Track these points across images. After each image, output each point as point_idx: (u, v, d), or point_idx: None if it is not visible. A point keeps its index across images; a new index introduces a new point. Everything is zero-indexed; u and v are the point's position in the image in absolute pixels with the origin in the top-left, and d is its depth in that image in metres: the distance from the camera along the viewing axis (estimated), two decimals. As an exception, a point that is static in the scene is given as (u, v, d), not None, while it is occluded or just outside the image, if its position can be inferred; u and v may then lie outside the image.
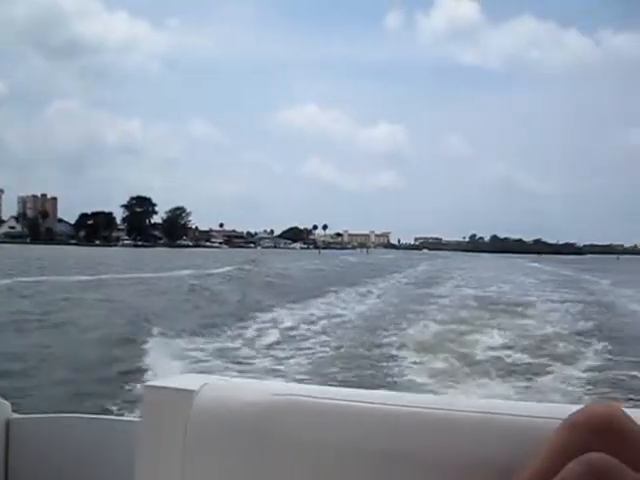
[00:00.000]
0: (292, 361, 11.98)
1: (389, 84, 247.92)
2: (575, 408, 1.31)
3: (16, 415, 2.29)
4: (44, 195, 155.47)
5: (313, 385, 1.81)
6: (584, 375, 10.80)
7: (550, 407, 1.57)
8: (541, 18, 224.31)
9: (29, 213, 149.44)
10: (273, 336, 14.71)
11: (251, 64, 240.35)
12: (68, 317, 17.51)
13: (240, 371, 10.78)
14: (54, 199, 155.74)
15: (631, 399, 9.04)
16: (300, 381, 10.16)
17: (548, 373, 11.10)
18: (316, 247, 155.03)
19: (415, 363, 11.91)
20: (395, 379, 10.68)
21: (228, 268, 41.39)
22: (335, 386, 1.75)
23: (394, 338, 14.62)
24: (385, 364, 11.76)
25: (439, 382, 10.36)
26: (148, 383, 1.84)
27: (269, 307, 19.92)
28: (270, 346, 13.52)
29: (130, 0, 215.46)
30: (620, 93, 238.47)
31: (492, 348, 13.28)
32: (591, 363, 11.92)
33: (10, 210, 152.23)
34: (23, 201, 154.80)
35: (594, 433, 1.24)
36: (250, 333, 15.10)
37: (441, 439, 1.49)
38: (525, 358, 12.33)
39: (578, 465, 1.19)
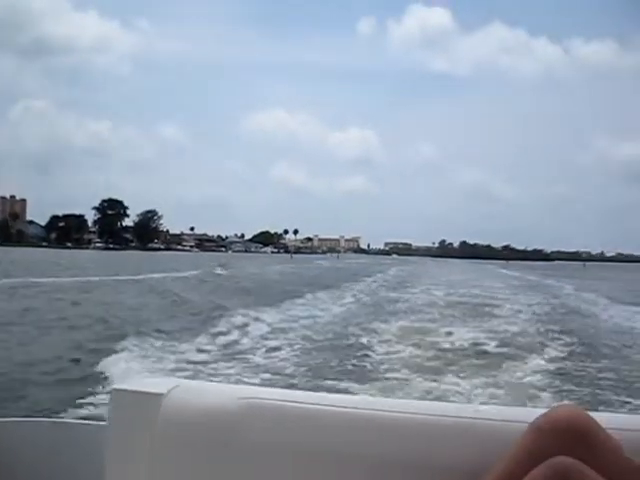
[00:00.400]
0: (282, 352, 13.19)
1: (360, 89, 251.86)
2: (541, 412, 1.33)
3: None
4: (13, 197, 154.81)
5: (281, 389, 1.81)
6: (542, 363, 12.15)
7: (516, 411, 1.61)
8: (511, 26, 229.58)
9: None
10: (261, 330, 15.91)
11: (221, 67, 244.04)
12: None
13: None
14: (23, 201, 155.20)
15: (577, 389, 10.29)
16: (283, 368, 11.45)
17: (511, 359, 12.52)
18: (287, 251, 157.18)
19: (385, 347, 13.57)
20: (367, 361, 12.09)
21: (195, 272, 41.84)
22: (304, 389, 1.85)
23: (368, 330, 15.89)
24: (359, 353, 12.94)
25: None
26: (115, 386, 1.84)
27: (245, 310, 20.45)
28: (263, 337, 14.90)
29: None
30: (588, 101, 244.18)
31: (459, 339, 14.63)
32: (554, 354, 13.27)
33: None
34: None
35: (559, 437, 1.26)
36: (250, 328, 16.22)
37: (408, 442, 1.51)
38: (491, 349, 13.71)
39: (544, 469, 1.22)
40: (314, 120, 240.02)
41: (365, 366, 11.82)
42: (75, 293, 25.02)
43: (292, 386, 9.81)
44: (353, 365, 11.87)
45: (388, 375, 11.04)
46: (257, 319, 17.91)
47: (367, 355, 12.79)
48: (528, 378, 10.93)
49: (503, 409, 1.65)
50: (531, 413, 1.38)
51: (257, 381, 10.22)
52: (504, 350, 13.48)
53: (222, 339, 14.44)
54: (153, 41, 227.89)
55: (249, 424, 1.59)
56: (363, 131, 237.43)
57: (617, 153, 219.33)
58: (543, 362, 12.35)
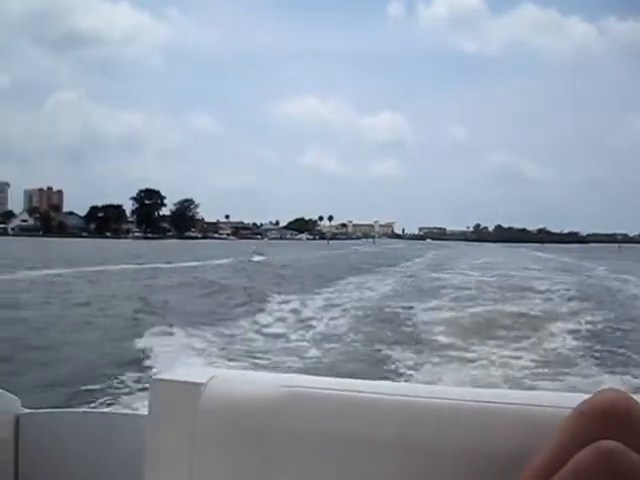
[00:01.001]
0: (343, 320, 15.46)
1: (390, 73, 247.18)
2: (584, 397, 1.31)
3: (26, 410, 2.32)
4: (50, 188, 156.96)
5: (322, 377, 1.80)
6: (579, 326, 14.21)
7: (559, 396, 1.59)
8: (543, 5, 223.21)
9: (37, 206, 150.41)
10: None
11: (251, 54, 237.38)
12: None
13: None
14: (60, 192, 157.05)
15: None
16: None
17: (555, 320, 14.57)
18: (322, 238, 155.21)
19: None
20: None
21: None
22: (346, 377, 1.79)
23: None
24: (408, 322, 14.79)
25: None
26: (155, 376, 1.85)
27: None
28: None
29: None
30: (623, 80, 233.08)
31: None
32: (589, 318, 15.34)
33: (16, 204, 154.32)
34: (29, 195, 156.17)
35: (603, 421, 1.25)
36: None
37: (451, 430, 1.50)
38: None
39: (588, 453, 1.20)
40: (344, 106, 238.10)
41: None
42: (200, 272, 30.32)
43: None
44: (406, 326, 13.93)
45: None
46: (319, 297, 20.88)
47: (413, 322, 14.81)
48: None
49: (545, 394, 1.64)
50: (574, 398, 1.36)
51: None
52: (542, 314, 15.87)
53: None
54: (183, 31, 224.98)
55: (290, 412, 1.60)
56: (394, 115, 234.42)
57: None
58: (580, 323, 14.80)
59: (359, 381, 1.70)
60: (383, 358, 11.03)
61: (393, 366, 10.29)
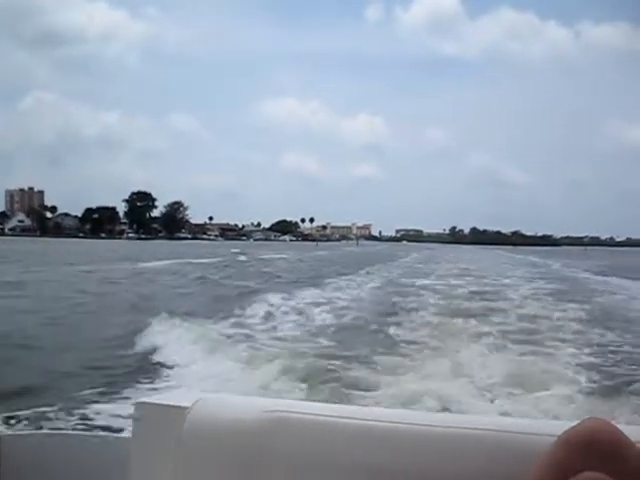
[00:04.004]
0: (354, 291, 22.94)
1: (369, 76, 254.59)
2: (569, 425, 1.31)
3: (7, 432, 2.44)
4: (31, 188, 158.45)
5: (307, 402, 1.78)
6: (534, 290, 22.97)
7: (544, 423, 1.63)
8: (520, 9, 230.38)
9: (16, 207, 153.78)
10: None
11: (230, 56, 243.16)
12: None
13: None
14: (41, 192, 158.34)
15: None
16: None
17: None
18: (304, 239, 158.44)
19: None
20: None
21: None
22: (331, 402, 1.83)
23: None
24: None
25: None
26: (140, 400, 1.85)
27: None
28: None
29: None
30: (599, 85, 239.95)
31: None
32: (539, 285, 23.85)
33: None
34: (10, 194, 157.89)
35: (588, 451, 1.24)
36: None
37: (436, 457, 1.50)
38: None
39: None
40: (324, 108, 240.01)
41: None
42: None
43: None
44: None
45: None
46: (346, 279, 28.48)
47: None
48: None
49: (529, 422, 1.64)
50: (557, 426, 1.35)
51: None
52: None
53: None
54: (162, 30, 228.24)
55: (274, 437, 1.59)
56: (373, 118, 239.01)
57: (629, 138, 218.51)
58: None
59: (344, 407, 1.76)
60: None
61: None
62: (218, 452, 1.63)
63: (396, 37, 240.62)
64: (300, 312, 16.26)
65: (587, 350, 10.98)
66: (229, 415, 1.68)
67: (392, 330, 13.09)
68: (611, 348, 11.36)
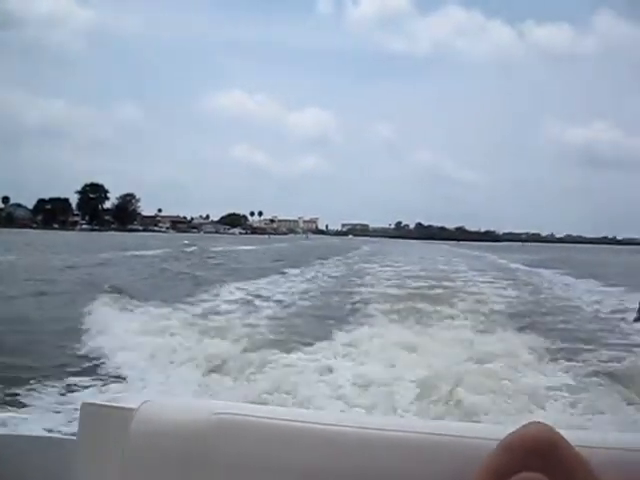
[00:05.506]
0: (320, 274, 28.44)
1: (318, 69, 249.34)
2: (510, 429, 1.33)
3: None
4: None
5: (257, 405, 1.74)
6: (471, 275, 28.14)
7: (486, 428, 1.60)
8: (467, 7, 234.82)
9: None
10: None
11: (178, 46, 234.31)
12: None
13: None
14: None
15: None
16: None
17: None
18: (253, 232, 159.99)
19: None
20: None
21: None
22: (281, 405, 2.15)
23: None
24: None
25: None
26: (85, 401, 1.78)
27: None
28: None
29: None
30: (540, 86, 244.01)
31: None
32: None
33: None
34: None
35: (529, 454, 1.27)
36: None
37: (379, 461, 1.51)
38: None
39: None
40: (272, 101, 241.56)
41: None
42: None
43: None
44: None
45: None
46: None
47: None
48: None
49: (470, 426, 1.65)
50: (498, 431, 1.37)
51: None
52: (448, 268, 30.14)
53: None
54: (109, 17, 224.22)
55: (221, 441, 1.58)
56: (321, 112, 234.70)
57: (569, 137, 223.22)
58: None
59: (296, 410, 1.76)
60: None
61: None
62: (164, 455, 1.60)
63: (346, 31, 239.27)
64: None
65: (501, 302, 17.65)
66: (177, 417, 1.64)
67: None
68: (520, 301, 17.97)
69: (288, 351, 9.94)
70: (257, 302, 16.94)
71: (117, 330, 11.73)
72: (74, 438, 1.78)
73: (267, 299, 17.75)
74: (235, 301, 16.98)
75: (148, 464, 1.62)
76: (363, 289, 20.68)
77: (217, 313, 14.44)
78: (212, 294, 18.21)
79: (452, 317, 13.75)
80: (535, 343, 10.97)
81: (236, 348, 10.08)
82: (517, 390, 7.91)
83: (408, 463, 1.51)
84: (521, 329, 12.70)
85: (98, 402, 1.75)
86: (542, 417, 6.19)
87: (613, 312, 16.50)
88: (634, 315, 14.33)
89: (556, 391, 8.10)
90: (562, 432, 1.31)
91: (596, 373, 8.91)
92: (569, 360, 9.84)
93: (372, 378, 8.34)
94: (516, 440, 1.31)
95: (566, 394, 7.97)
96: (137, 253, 40.50)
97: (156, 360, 9.77)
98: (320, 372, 8.79)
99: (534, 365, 9.53)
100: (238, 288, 19.85)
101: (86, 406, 1.75)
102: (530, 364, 9.53)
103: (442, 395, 7.63)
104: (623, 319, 15.02)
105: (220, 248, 51.99)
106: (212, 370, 9.07)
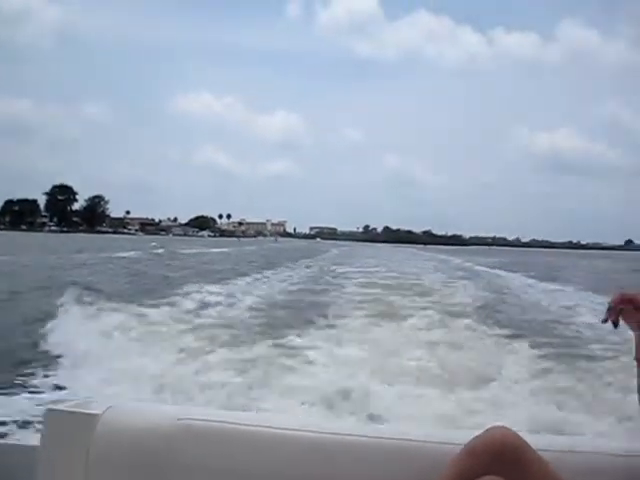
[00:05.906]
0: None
1: (287, 73, 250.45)
2: (475, 434, 1.38)
3: None
4: None
5: (221, 410, 1.77)
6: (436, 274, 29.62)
7: (450, 433, 1.66)
8: (437, 13, 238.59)
9: None
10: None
11: (146, 47, 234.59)
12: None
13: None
14: None
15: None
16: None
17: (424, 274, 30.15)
18: (222, 235, 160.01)
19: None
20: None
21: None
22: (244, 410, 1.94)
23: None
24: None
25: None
26: (50, 406, 1.79)
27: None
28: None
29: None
30: (510, 91, 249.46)
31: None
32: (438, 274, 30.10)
33: None
34: None
35: (492, 458, 1.33)
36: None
37: (344, 465, 1.55)
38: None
39: None
40: (241, 103, 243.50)
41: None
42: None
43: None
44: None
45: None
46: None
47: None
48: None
49: (435, 432, 1.69)
50: (463, 435, 1.40)
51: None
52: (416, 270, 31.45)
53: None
54: (77, 16, 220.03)
55: (186, 446, 1.60)
56: (289, 115, 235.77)
57: (535, 143, 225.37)
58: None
59: (256, 415, 1.80)
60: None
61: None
62: (129, 460, 1.60)
63: (316, 35, 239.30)
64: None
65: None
66: (141, 423, 1.64)
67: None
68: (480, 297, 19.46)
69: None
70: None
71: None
72: (37, 444, 1.78)
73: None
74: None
75: (112, 470, 1.64)
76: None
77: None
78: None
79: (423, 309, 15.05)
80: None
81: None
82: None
83: (372, 468, 1.56)
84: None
85: (62, 408, 1.77)
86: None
87: (565, 307, 18.05)
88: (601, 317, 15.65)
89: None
90: (531, 437, 1.38)
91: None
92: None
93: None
94: (480, 445, 1.38)
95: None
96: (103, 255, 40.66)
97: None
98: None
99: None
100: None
101: (50, 412, 1.77)
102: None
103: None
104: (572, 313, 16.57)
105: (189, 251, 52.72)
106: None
